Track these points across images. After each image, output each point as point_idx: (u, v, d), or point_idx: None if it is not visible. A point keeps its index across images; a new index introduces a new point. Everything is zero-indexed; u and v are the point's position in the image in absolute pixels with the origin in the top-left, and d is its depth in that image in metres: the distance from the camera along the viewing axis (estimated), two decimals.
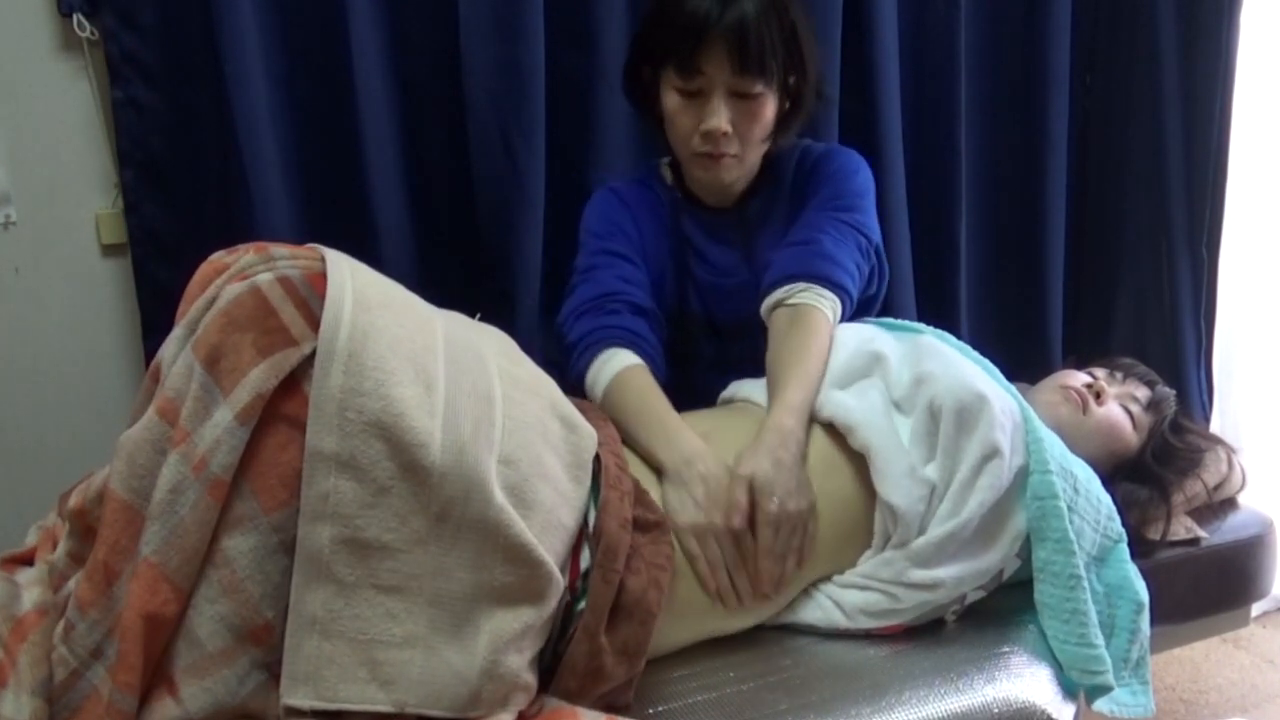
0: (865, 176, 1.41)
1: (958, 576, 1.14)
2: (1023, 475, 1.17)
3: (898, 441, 1.16)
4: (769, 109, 1.29)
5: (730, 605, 1.12)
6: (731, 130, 1.27)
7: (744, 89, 1.26)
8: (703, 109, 1.28)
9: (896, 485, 1.14)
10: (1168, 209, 1.92)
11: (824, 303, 1.27)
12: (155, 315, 1.46)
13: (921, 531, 1.15)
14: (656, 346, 1.32)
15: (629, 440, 1.19)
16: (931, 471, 1.16)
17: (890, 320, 1.39)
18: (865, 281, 1.36)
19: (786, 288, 1.29)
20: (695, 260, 1.42)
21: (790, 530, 1.11)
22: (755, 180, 1.41)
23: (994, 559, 1.16)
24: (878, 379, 1.24)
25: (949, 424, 1.15)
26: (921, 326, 1.36)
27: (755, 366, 1.30)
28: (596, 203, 1.46)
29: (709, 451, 1.15)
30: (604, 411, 1.21)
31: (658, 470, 1.16)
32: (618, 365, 1.26)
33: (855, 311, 1.38)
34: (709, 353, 1.44)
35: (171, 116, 1.44)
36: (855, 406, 1.19)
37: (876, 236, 1.38)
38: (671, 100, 1.30)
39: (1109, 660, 1.13)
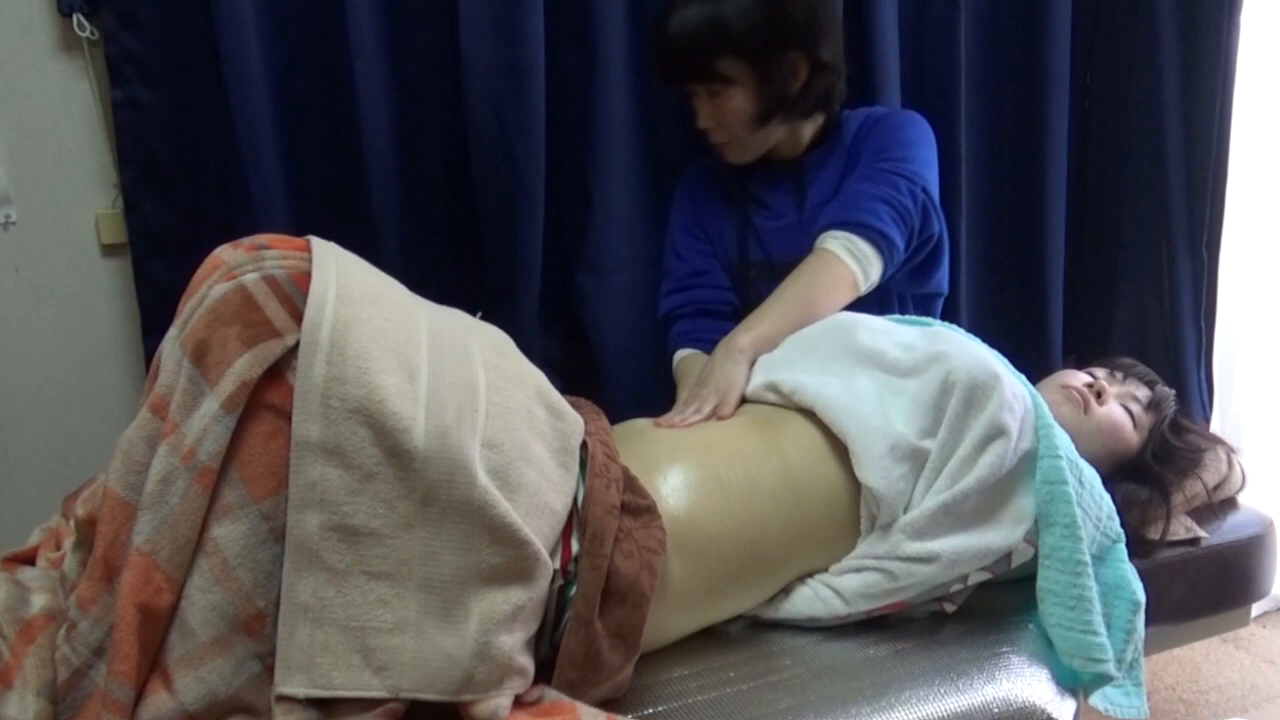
0: (919, 131, 1.52)
1: (954, 549, 1.14)
2: (1030, 459, 1.17)
3: (878, 424, 1.18)
4: (734, 100, 1.43)
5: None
6: (713, 124, 1.45)
7: (708, 90, 1.42)
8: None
9: (873, 468, 1.16)
10: (1168, 209, 1.92)
11: (836, 243, 1.40)
12: (155, 315, 1.47)
13: (911, 507, 1.16)
14: (705, 328, 1.54)
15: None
16: (929, 443, 1.17)
17: (899, 316, 1.42)
18: (914, 219, 1.45)
19: (819, 239, 1.43)
20: (755, 208, 1.58)
21: (689, 405, 1.31)
22: (816, 137, 1.55)
23: (994, 538, 1.16)
24: (871, 365, 1.26)
25: (959, 400, 1.16)
26: (931, 320, 1.38)
27: None
28: (674, 198, 1.64)
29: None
30: (599, 407, 1.24)
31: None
32: (676, 361, 1.55)
33: (917, 249, 1.49)
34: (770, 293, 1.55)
35: (171, 116, 1.45)
36: (836, 396, 1.21)
37: (923, 181, 1.47)
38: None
39: (1110, 649, 1.13)
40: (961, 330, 1.32)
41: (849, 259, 1.39)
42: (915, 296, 1.60)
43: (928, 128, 1.55)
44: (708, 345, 1.49)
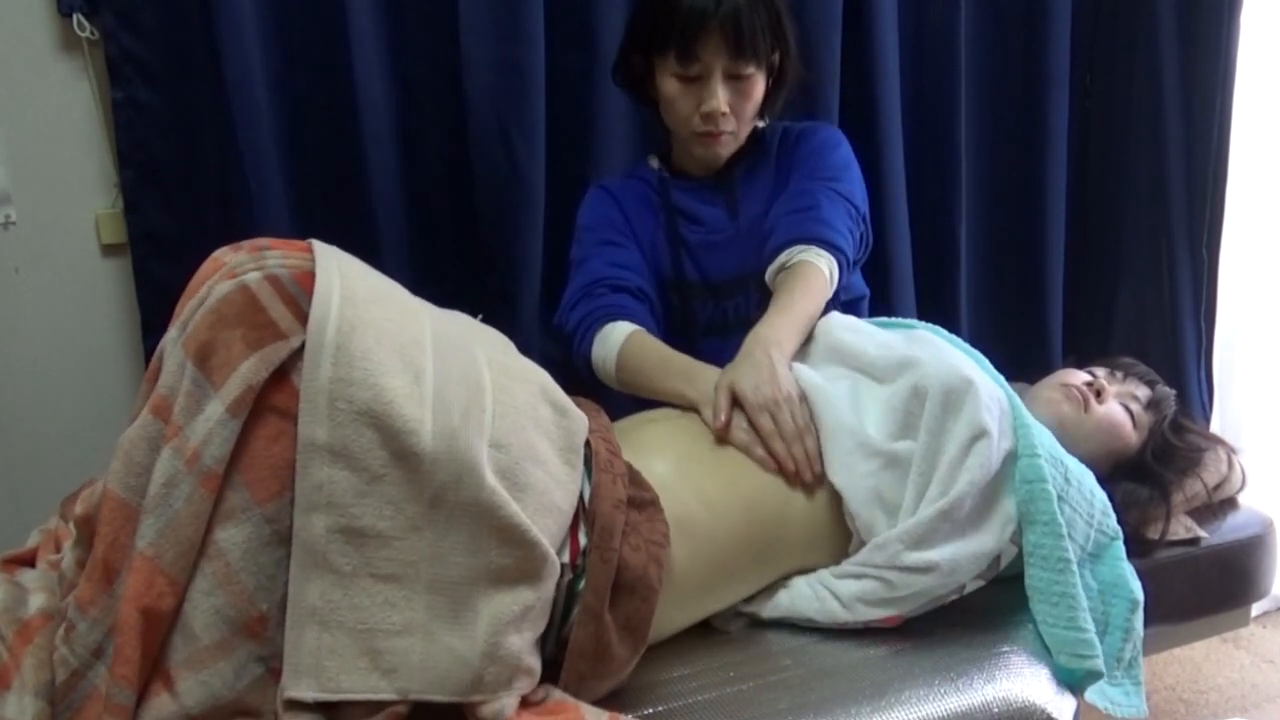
0: (845, 150, 1.51)
1: (952, 559, 1.14)
2: (1011, 460, 1.18)
3: (848, 422, 1.19)
4: (759, 87, 1.40)
5: (784, 470, 1.18)
6: (729, 110, 1.38)
7: (738, 71, 1.37)
8: (701, 92, 1.38)
9: (838, 464, 1.17)
10: (1168, 209, 1.93)
11: (820, 260, 1.36)
12: (155, 315, 1.47)
13: (893, 511, 1.16)
14: (646, 317, 1.42)
15: (656, 394, 1.31)
16: (902, 446, 1.17)
17: (885, 319, 1.41)
18: (857, 246, 1.46)
19: (788, 251, 1.38)
20: (686, 225, 1.51)
21: (780, 410, 1.19)
22: (739, 150, 1.50)
23: (987, 542, 1.16)
24: (851, 365, 1.27)
25: (935, 404, 1.16)
26: (915, 322, 1.37)
27: (749, 323, 1.36)
28: (588, 200, 1.55)
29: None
30: (598, 404, 1.24)
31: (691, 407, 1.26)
32: (620, 336, 1.37)
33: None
34: (707, 315, 1.51)
35: (171, 116, 1.45)
36: (816, 388, 1.23)
37: (863, 206, 1.48)
38: (670, 85, 1.40)
39: (1098, 645, 1.14)
40: (944, 333, 1.32)
41: (832, 283, 1.38)
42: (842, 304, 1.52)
43: (849, 146, 1.51)
44: (651, 328, 1.39)
